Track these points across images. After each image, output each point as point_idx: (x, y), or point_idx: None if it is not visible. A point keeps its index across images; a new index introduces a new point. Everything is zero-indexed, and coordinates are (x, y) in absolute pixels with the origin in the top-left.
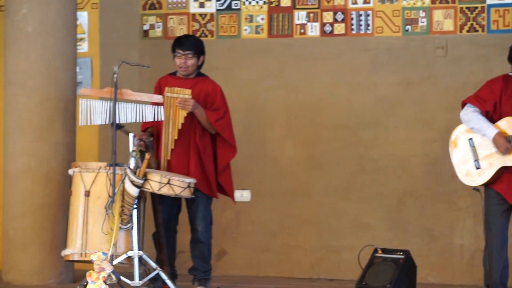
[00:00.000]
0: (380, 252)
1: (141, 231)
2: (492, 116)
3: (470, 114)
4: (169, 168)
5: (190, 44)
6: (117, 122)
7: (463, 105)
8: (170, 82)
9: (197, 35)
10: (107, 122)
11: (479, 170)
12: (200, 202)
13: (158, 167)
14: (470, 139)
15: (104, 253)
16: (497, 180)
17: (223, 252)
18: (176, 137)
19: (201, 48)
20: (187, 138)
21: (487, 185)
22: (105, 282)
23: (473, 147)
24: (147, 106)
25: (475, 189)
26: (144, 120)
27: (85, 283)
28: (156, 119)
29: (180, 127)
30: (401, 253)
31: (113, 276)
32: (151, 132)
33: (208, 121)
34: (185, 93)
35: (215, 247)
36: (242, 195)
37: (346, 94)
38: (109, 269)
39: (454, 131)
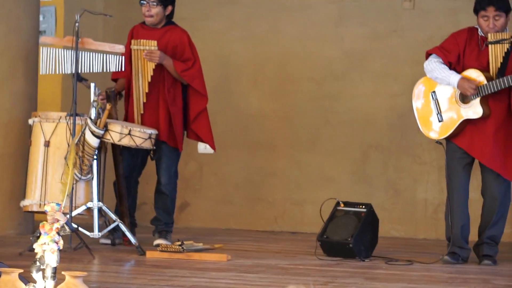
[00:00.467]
0: (342, 205)
1: (102, 182)
2: (455, 68)
3: (434, 64)
4: (142, 122)
5: None
6: (79, 72)
7: (428, 55)
8: (141, 32)
9: None
10: (69, 72)
11: (441, 123)
12: (164, 154)
13: (127, 120)
14: (433, 92)
15: (58, 204)
16: (459, 134)
17: (185, 204)
18: (147, 90)
19: None
20: (156, 90)
21: (449, 138)
22: (58, 233)
23: (435, 100)
24: (110, 56)
25: (438, 142)
26: (107, 70)
27: (38, 234)
28: (119, 69)
29: (149, 79)
30: (363, 207)
31: (67, 228)
32: (120, 84)
33: (176, 72)
34: (151, 45)
35: (178, 199)
36: (205, 147)
37: (312, 46)
38: (62, 220)
39: (416, 85)
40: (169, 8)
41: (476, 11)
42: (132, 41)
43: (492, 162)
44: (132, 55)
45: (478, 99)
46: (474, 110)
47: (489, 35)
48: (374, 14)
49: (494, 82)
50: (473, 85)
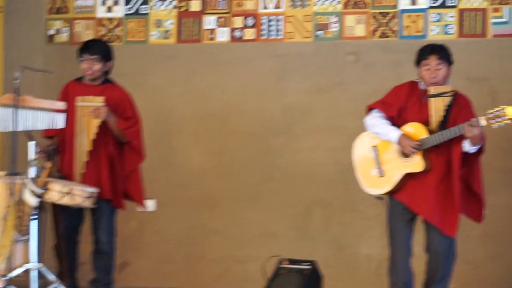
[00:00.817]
0: (285, 262)
1: (42, 242)
2: (397, 122)
3: (375, 119)
4: (81, 180)
5: (97, 48)
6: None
7: (369, 110)
8: (77, 89)
9: (105, 40)
10: (7, 130)
11: (382, 178)
12: (104, 213)
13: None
14: (374, 146)
15: None
16: (400, 189)
17: (126, 264)
18: (90, 148)
19: (108, 53)
20: (97, 147)
21: (391, 193)
22: None
23: (376, 155)
24: (49, 113)
25: (379, 197)
26: (47, 127)
27: None
28: (60, 126)
29: (94, 137)
30: (307, 264)
31: None
32: (54, 141)
33: (119, 129)
34: (98, 101)
35: (118, 258)
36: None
37: (255, 101)
38: (1, 284)
39: (357, 139)
40: (109, 63)
41: (418, 62)
42: (78, 98)
43: (433, 217)
44: (76, 112)
45: (419, 153)
46: (415, 164)
47: (430, 88)
48: (317, 68)
49: (435, 135)
50: (412, 143)
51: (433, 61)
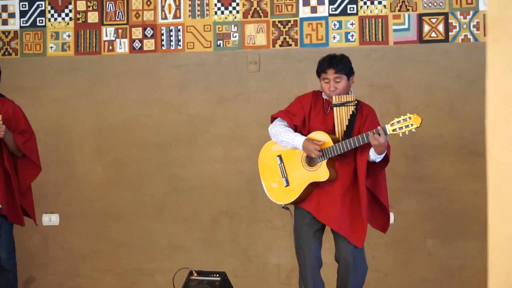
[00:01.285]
0: (195, 274)
1: None
2: (301, 131)
3: (278, 127)
4: None
5: None
6: None
7: (273, 119)
8: None
9: (0, 53)
10: None
11: (288, 187)
12: (2, 229)
13: None
14: (279, 155)
15: None
16: (306, 198)
17: (31, 279)
18: None
19: None
20: None
21: (297, 203)
22: None
23: (281, 164)
24: None
25: (285, 207)
26: None
27: None
28: None
29: None
30: (217, 275)
31: None
32: None
33: (16, 145)
34: None
35: (23, 274)
36: (50, 219)
37: (157, 112)
38: None
39: (262, 150)
40: None
41: (318, 74)
42: None
43: (339, 226)
44: None
45: (324, 162)
46: (320, 173)
47: (333, 97)
48: (219, 77)
49: (339, 144)
50: (317, 147)
51: (331, 74)
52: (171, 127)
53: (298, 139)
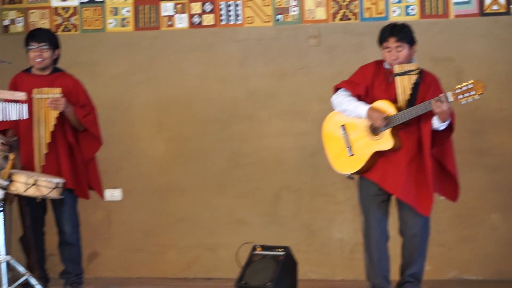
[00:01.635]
0: (259, 249)
1: (9, 234)
2: (365, 101)
3: (341, 97)
4: (42, 172)
5: (45, 36)
6: None
7: (336, 90)
8: (27, 80)
9: (60, 29)
10: None
11: (352, 157)
12: (66, 203)
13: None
14: (343, 125)
15: None
16: (371, 168)
17: (94, 254)
18: (49, 140)
19: (56, 40)
20: (55, 138)
21: (362, 173)
22: None
23: (345, 134)
24: (9, 104)
25: (350, 177)
26: (8, 119)
27: None
28: (20, 118)
29: (52, 129)
30: (281, 250)
31: None
32: (12, 133)
33: (76, 118)
34: (55, 92)
35: (87, 248)
36: (112, 194)
37: (217, 87)
38: None
39: (325, 120)
40: (57, 51)
41: (380, 43)
42: (34, 90)
43: (405, 195)
44: (33, 105)
45: (388, 131)
46: (384, 141)
47: (395, 67)
48: (279, 52)
49: (402, 112)
50: (381, 115)
51: (392, 43)
52: (231, 102)
53: (362, 108)
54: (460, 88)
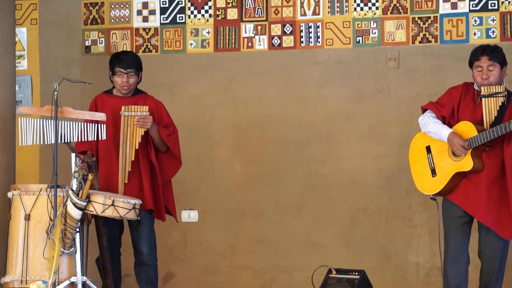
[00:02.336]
0: (334, 272)
1: (85, 255)
2: (450, 122)
3: (427, 119)
4: (124, 191)
5: (131, 61)
6: (62, 141)
7: (423, 111)
8: (108, 102)
9: (141, 50)
10: (49, 142)
11: (435, 177)
12: (144, 223)
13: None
14: (428, 146)
15: (44, 282)
16: (454, 189)
17: (170, 275)
18: (133, 158)
19: (141, 65)
20: (138, 157)
21: (444, 195)
22: None
23: (429, 155)
24: (90, 124)
25: (433, 198)
26: (87, 139)
27: None
28: (99, 138)
29: (137, 147)
30: (356, 273)
31: None
32: (91, 154)
33: (160, 138)
34: (143, 110)
35: (162, 269)
36: (189, 215)
37: (295, 108)
38: None
39: (412, 140)
40: (140, 74)
41: (471, 63)
42: (123, 107)
43: (486, 217)
44: (121, 122)
45: (469, 152)
46: (465, 162)
47: (482, 88)
48: (358, 74)
49: (482, 134)
50: (462, 142)
51: (484, 62)
52: (310, 124)
53: (445, 132)
54: None
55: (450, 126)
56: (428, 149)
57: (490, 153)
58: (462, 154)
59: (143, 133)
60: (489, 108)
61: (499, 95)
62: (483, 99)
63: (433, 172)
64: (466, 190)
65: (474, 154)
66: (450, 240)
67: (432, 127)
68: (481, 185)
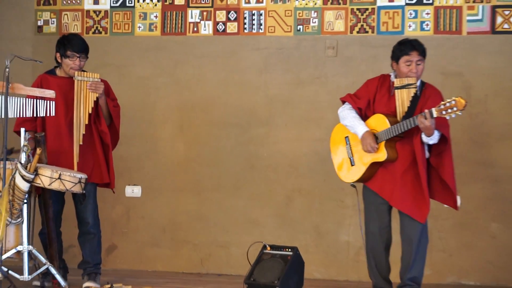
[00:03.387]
0: (268, 248)
1: (31, 225)
2: (366, 113)
3: (346, 111)
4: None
5: (84, 45)
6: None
7: (343, 102)
8: (53, 82)
9: (91, 32)
10: None
11: (353, 166)
12: (90, 196)
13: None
14: (347, 136)
15: None
16: (372, 177)
17: (113, 247)
18: (87, 122)
19: (89, 49)
20: (90, 130)
21: (363, 182)
22: None
23: (349, 145)
24: (40, 101)
25: (352, 185)
26: (37, 115)
27: None
28: (48, 114)
29: (90, 111)
30: (290, 250)
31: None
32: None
33: (107, 109)
34: (95, 77)
35: (106, 242)
36: (133, 190)
37: (237, 92)
38: None
39: (333, 130)
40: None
41: (397, 57)
42: (76, 72)
43: (400, 204)
44: (75, 86)
45: (382, 143)
46: (379, 153)
47: (395, 80)
48: (298, 61)
49: (389, 129)
50: (373, 144)
51: (414, 56)
52: (250, 108)
53: (360, 129)
54: (444, 104)
55: (367, 117)
56: (347, 139)
57: (404, 142)
58: (371, 153)
59: (95, 99)
60: (402, 99)
61: (411, 86)
62: (396, 90)
63: (352, 162)
64: (382, 178)
65: (388, 145)
66: (368, 226)
67: (350, 121)
68: (395, 173)
